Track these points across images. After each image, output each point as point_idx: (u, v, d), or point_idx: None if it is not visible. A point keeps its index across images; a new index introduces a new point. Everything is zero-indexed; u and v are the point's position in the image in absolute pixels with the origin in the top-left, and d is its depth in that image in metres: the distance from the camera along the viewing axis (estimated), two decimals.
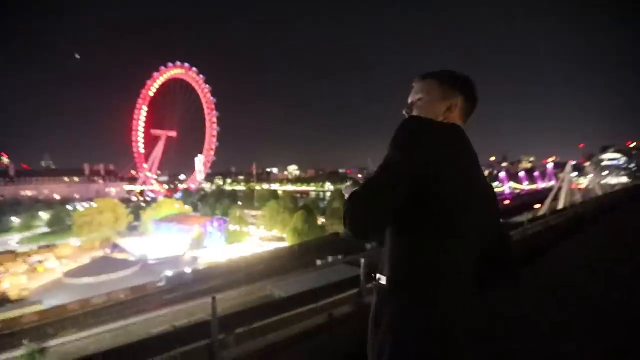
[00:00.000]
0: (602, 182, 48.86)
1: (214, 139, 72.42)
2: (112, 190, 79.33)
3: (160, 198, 60.58)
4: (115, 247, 38.40)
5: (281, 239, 40.92)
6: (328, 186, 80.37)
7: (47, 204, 57.79)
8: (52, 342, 14.69)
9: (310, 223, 39.74)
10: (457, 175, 0.92)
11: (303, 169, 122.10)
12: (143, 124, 72.00)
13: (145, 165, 73.93)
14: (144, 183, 76.62)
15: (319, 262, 27.49)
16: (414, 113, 1.05)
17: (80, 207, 51.46)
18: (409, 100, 1.08)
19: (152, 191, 76.03)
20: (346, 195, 1.01)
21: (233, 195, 65.40)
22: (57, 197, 69.90)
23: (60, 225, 46.36)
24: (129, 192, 79.71)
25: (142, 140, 72.34)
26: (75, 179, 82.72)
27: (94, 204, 44.60)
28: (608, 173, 59.00)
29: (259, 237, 42.75)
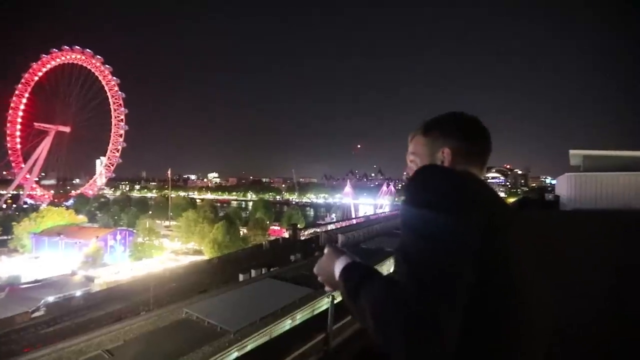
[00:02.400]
0: None
1: (121, 139, 63.33)
2: None
3: (44, 206, 50.11)
4: None
5: (198, 252, 37.50)
6: (251, 196, 77.67)
7: None
8: None
9: (231, 234, 37.49)
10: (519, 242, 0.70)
11: (224, 177, 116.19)
12: (22, 115, 59.41)
13: (23, 166, 60.67)
14: (20, 187, 62.64)
15: (241, 277, 25.60)
16: (409, 172, 0.86)
17: None
18: (407, 159, 0.93)
19: (31, 196, 62.60)
20: (335, 274, 0.76)
21: (143, 203, 58.10)
22: None
23: None
24: None
25: (21, 135, 59.57)
26: None
27: None
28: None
29: (173, 250, 38.44)
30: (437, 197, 0.66)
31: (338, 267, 0.76)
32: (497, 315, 0.63)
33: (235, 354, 14.41)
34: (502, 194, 70.35)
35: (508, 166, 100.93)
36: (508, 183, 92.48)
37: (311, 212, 64.29)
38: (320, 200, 77.21)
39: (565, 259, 6.27)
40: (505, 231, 0.67)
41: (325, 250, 0.84)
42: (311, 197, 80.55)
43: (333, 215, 65.04)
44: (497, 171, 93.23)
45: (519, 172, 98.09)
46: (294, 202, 73.79)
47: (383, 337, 0.57)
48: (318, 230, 47.34)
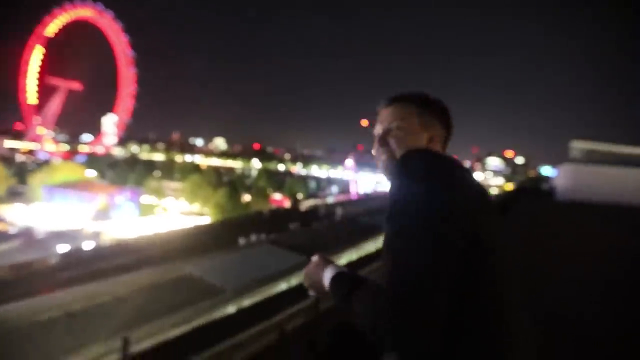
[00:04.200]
0: (487, 182, 59.87)
1: (131, 99, 63.83)
2: None
3: (56, 160, 51.73)
4: None
5: (202, 215, 39.09)
6: (255, 164, 78.66)
7: None
8: None
9: (234, 200, 38.85)
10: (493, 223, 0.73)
11: (230, 143, 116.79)
12: (37, 70, 59.65)
13: (36, 120, 61.86)
14: (34, 140, 64.27)
15: (242, 241, 27.01)
16: (392, 145, 0.85)
17: None
18: (379, 131, 0.88)
19: (45, 151, 64.39)
20: (325, 282, 0.78)
21: (150, 165, 59.42)
22: None
23: None
24: (12, 149, 66.03)
25: (35, 89, 60.15)
26: None
27: None
28: (491, 175, 73.50)
29: (178, 211, 40.05)
30: (424, 196, 0.66)
31: (327, 277, 0.77)
32: (484, 310, 0.64)
33: (231, 311, 15.84)
34: (500, 181, 70.64)
35: (509, 154, 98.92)
36: (508, 170, 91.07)
37: (313, 184, 65.31)
38: (323, 174, 77.90)
39: (556, 250, 6.89)
40: (487, 227, 0.69)
41: (313, 259, 0.85)
42: (314, 170, 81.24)
43: (333, 188, 66.14)
44: (496, 156, 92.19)
45: (519, 161, 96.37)
46: (296, 174, 74.77)
47: (378, 340, 0.61)
48: (319, 201, 48.64)
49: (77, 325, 13.93)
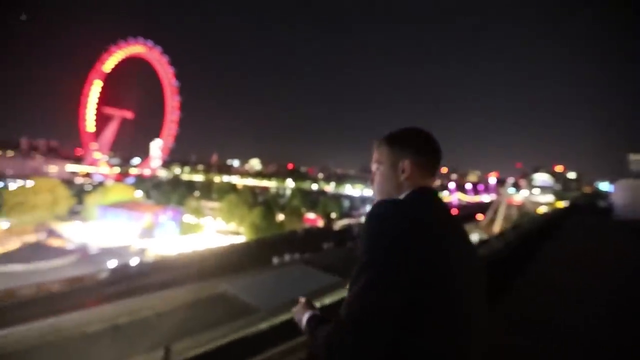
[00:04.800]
0: (533, 199, 55.25)
1: (175, 125, 68.68)
2: (53, 169, 72.10)
3: (110, 182, 56.26)
4: (51, 232, 34.97)
5: (238, 234, 40.11)
6: (288, 184, 79.97)
7: None
8: None
9: (269, 220, 39.47)
10: (451, 260, 0.82)
11: (265, 163, 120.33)
12: (95, 101, 66.34)
13: (94, 146, 68.20)
14: (91, 164, 70.67)
15: (275, 260, 27.25)
16: (375, 187, 1.02)
17: (14, 184, 46.15)
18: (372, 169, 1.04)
19: (100, 174, 70.40)
20: (303, 322, 0.95)
21: (190, 185, 62.69)
22: None
23: None
24: (73, 173, 72.97)
25: (93, 118, 66.68)
26: (10, 153, 74.08)
27: (30, 183, 40.21)
28: (539, 191, 67.31)
29: (215, 230, 41.46)
30: (380, 239, 0.79)
31: (305, 318, 0.95)
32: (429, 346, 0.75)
33: (263, 329, 15.85)
34: (549, 198, 65.15)
35: (559, 168, 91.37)
36: (558, 186, 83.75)
37: (347, 204, 64.90)
38: (357, 193, 77.30)
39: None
40: (442, 262, 0.79)
41: (301, 300, 1.04)
42: (347, 189, 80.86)
43: (367, 207, 65.07)
44: (545, 172, 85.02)
45: (571, 175, 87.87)
46: (330, 193, 74.82)
47: None
48: (353, 221, 48.09)
49: (122, 338, 14.65)
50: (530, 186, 61.63)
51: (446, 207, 0.93)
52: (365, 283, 0.75)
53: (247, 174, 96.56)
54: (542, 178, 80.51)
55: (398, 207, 0.87)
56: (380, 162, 1.00)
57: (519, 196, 50.51)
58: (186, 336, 13.62)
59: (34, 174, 55.82)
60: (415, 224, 0.81)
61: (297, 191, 59.81)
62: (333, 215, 49.38)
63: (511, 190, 48.81)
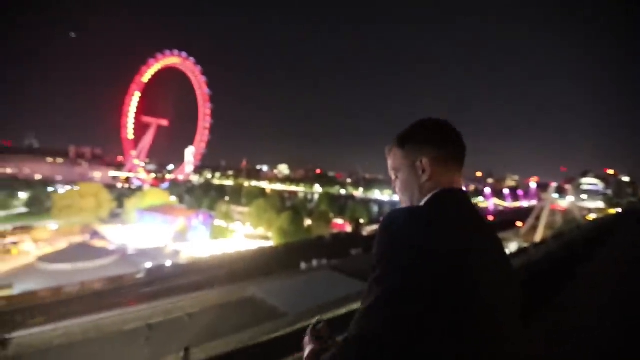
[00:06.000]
0: (581, 205, 50.98)
1: (207, 132, 71.41)
2: (97, 175, 77.26)
3: (147, 187, 59.33)
4: (95, 234, 37.34)
5: (266, 238, 40.65)
6: (316, 189, 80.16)
7: (28, 183, 55.86)
8: (16, 334, 14.09)
9: (296, 224, 39.67)
10: (474, 274, 0.71)
11: (293, 168, 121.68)
12: (134, 110, 70.54)
13: (133, 152, 72.38)
14: (130, 170, 74.98)
15: (303, 265, 27.25)
16: (399, 196, 0.91)
17: (62, 189, 49.91)
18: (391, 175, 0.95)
19: (138, 179, 74.47)
20: (305, 352, 0.89)
21: (221, 190, 64.62)
22: (38, 177, 67.70)
23: (39, 207, 44.82)
24: (114, 178, 77.79)
25: (132, 127, 70.85)
26: (59, 160, 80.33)
27: (76, 188, 43.29)
28: (587, 197, 61.93)
29: (244, 234, 42.30)
30: (389, 258, 0.70)
31: (307, 350, 0.91)
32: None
33: (290, 334, 15.81)
34: (599, 204, 60.04)
35: (610, 171, 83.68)
36: (609, 191, 76.52)
37: (375, 209, 63.90)
38: (386, 197, 76.01)
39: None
40: (464, 280, 0.69)
41: (306, 339, 0.97)
42: (376, 194, 79.72)
43: None
44: (595, 176, 78.08)
45: (626, 178, 79.65)
46: (358, 198, 74.13)
47: None
48: None
49: (155, 337, 15.20)
50: (578, 191, 56.83)
51: (474, 211, 0.81)
52: (374, 301, 0.69)
53: (275, 179, 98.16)
54: (590, 182, 73.81)
55: (413, 215, 0.77)
56: (396, 168, 0.90)
57: (564, 202, 47.18)
58: (214, 337, 13.88)
59: (80, 179, 60.12)
60: (431, 235, 0.71)
61: (324, 196, 59.77)
62: (361, 220, 48.74)
63: (555, 195, 45.75)
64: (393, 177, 0.93)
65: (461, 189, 0.85)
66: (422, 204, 0.82)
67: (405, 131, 0.89)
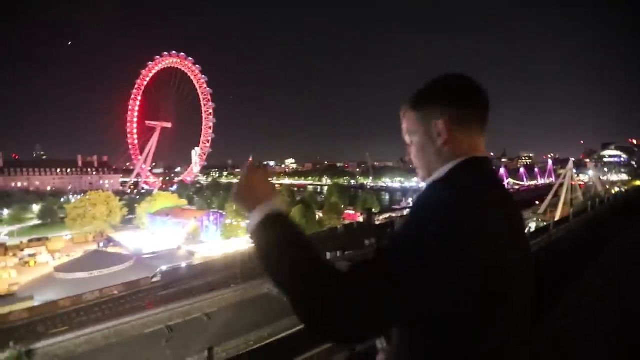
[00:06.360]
0: (603, 178, 49.10)
1: (210, 131, 71.28)
2: (106, 182, 78.01)
3: (156, 191, 59.63)
4: (109, 241, 37.64)
5: None
6: (326, 180, 79.73)
7: (39, 195, 56.62)
8: (40, 344, 14.10)
9: (308, 218, 39.33)
10: (510, 263, 0.64)
11: (300, 162, 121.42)
12: (137, 115, 70.74)
13: (140, 157, 72.80)
14: (138, 175, 75.52)
15: None
16: (414, 163, 0.80)
17: (73, 199, 50.43)
18: (406, 141, 0.82)
19: (147, 183, 75.01)
20: (256, 217, 0.72)
21: (229, 189, 64.44)
22: (48, 188, 68.64)
23: (52, 218, 45.41)
24: (124, 184, 78.49)
25: (137, 132, 71.16)
26: (68, 170, 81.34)
27: (87, 197, 43.64)
28: (609, 170, 59.69)
29: None
30: (427, 241, 0.60)
31: (265, 209, 0.72)
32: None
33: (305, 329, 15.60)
34: (623, 176, 57.58)
35: (634, 141, 79.89)
36: (633, 162, 73.06)
37: (386, 197, 63.25)
38: (396, 184, 75.20)
39: None
40: (499, 268, 0.62)
41: (253, 165, 0.79)
42: (386, 181, 78.94)
43: (409, 200, 63.09)
44: (617, 148, 74.65)
45: None
46: (368, 187, 73.49)
47: (294, 311, 0.62)
48: (394, 215, 46.60)
49: (176, 338, 15.10)
50: (600, 164, 54.59)
51: (501, 187, 0.72)
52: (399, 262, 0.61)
53: (283, 173, 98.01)
54: (612, 154, 70.31)
55: (442, 205, 0.64)
56: (410, 132, 0.79)
57: (585, 177, 45.60)
58: (234, 335, 13.67)
59: (90, 187, 60.65)
60: (474, 218, 0.62)
61: (334, 187, 59.26)
62: (374, 210, 48.22)
63: (574, 170, 44.04)
64: (408, 141, 0.81)
65: (485, 157, 0.73)
66: (442, 176, 0.70)
67: (421, 88, 0.77)
